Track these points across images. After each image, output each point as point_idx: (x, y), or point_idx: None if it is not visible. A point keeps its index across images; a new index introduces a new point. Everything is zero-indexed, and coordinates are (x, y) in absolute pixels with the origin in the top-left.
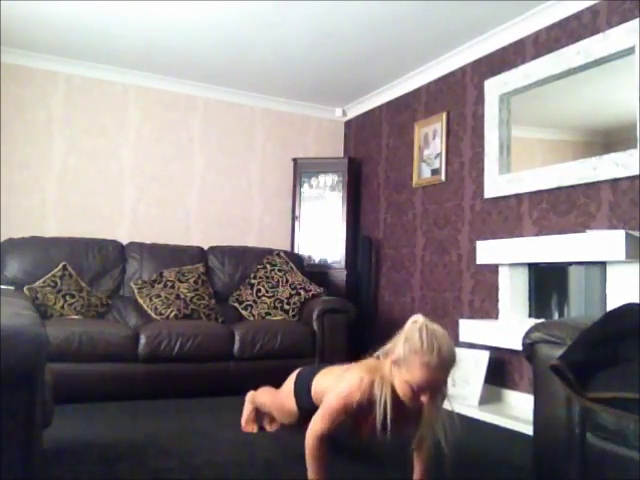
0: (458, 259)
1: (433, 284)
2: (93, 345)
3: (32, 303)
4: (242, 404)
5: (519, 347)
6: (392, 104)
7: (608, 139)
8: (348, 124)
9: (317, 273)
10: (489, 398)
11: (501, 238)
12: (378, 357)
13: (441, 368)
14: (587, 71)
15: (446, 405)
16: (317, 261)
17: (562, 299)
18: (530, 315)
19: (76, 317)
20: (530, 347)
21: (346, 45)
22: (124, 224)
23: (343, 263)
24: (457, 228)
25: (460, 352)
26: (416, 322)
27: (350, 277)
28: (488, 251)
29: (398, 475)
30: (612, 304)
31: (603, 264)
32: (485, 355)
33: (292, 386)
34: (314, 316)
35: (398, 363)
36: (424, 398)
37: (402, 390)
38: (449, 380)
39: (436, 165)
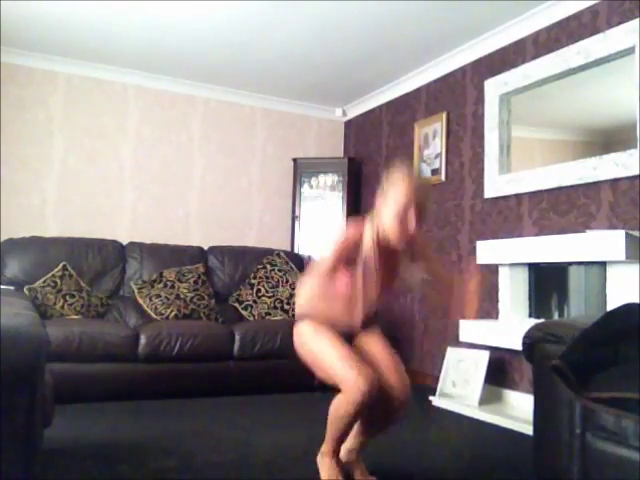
0: (458, 259)
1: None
2: (93, 345)
3: (32, 303)
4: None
5: (519, 347)
6: (392, 104)
7: (608, 139)
8: (348, 124)
9: None
10: (489, 398)
11: (501, 238)
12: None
13: (422, 188)
14: (587, 71)
15: None
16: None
17: (562, 299)
18: (530, 315)
19: (76, 317)
20: (530, 347)
21: (346, 45)
22: (124, 224)
23: None
24: (457, 228)
25: (460, 352)
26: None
27: None
28: (488, 251)
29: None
30: (612, 304)
31: (603, 264)
32: (485, 355)
33: None
34: None
35: (385, 197)
36: (411, 224)
37: (391, 226)
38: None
39: (436, 165)
